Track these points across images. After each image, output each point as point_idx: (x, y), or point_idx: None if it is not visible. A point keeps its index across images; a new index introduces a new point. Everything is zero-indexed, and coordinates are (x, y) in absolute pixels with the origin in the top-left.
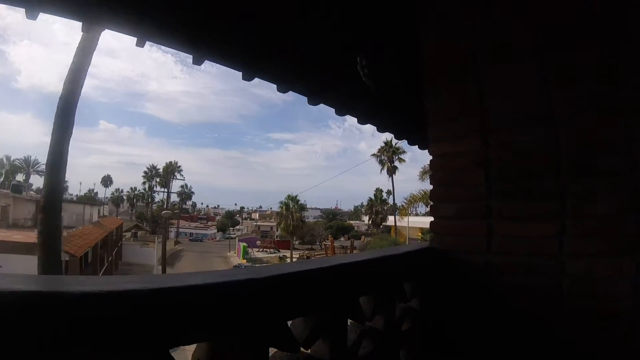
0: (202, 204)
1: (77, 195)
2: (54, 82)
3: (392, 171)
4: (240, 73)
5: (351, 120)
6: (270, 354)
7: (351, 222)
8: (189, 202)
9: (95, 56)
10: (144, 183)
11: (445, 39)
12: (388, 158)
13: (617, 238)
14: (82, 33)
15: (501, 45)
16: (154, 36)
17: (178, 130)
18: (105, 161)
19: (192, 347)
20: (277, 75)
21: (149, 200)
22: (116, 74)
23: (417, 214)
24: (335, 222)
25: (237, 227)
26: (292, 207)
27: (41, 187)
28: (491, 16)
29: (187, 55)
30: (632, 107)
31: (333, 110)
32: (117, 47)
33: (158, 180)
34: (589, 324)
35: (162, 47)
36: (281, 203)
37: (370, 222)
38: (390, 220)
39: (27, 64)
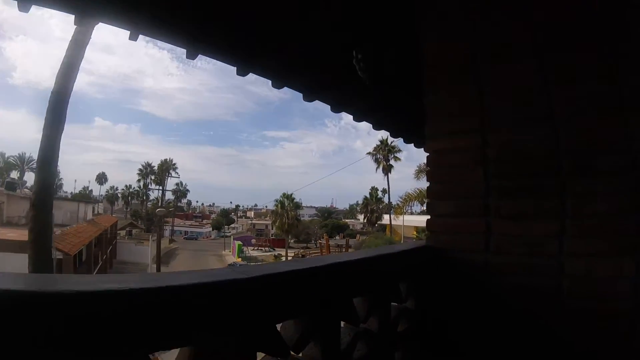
0: (197, 202)
1: (71, 192)
2: (50, 78)
3: (387, 170)
4: (235, 68)
5: (347, 118)
6: (258, 359)
7: (346, 220)
8: (184, 200)
9: (91, 52)
10: (138, 181)
11: (445, 39)
12: (384, 156)
13: (617, 238)
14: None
15: (501, 45)
16: (148, 30)
17: (173, 128)
18: (100, 158)
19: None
20: (272, 71)
21: (144, 198)
22: (112, 70)
23: (412, 213)
24: (331, 221)
25: (233, 225)
26: (288, 205)
27: None
28: (491, 16)
29: (183, 51)
30: (632, 107)
31: (329, 108)
32: (113, 43)
33: (153, 178)
34: (589, 324)
35: (159, 43)
36: (276, 201)
37: (365, 221)
38: (386, 218)
39: (22, 59)
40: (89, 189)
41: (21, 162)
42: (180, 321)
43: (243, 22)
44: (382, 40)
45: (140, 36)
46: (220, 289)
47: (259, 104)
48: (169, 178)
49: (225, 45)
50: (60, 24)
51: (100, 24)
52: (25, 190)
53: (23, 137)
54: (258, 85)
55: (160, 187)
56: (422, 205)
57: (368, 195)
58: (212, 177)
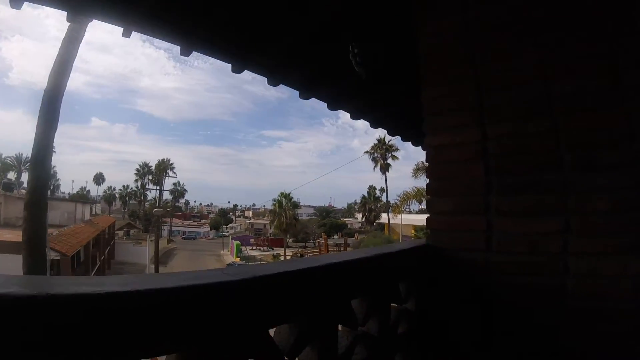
0: (195, 201)
1: (69, 193)
2: (46, 77)
3: (385, 168)
4: (230, 66)
5: (344, 117)
6: None
7: (344, 219)
8: (182, 200)
9: (88, 51)
10: (136, 181)
11: (443, 33)
12: (381, 155)
13: (621, 235)
14: (67, 23)
15: (501, 39)
16: (141, 26)
17: (171, 128)
18: (97, 159)
19: None
20: (268, 67)
21: (142, 198)
22: (109, 70)
23: (410, 212)
24: (329, 220)
25: (231, 225)
26: (285, 204)
27: None
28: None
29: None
30: (634, 101)
31: (326, 107)
32: (109, 43)
33: (150, 178)
34: (592, 324)
35: (155, 43)
36: (274, 201)
37: (363, 220)
38: (384, 217)
39: (18, 59)
40: (87, 189)
41: (18, 163)
42: (164, 327)
43: (237, 17)
44: (379, 34)
45: (137, 35)
46: (209, 292)
47: (256, 104)
48: (167, 178)
49: (220, 41)
50: (57, 24)
51: (94, 21)
52: (23, 191)
53: (20, 137)
54: (255, 84)
55: (158, 187)
56: (420, 204)
57: (366, 194)
58: (210, 176)
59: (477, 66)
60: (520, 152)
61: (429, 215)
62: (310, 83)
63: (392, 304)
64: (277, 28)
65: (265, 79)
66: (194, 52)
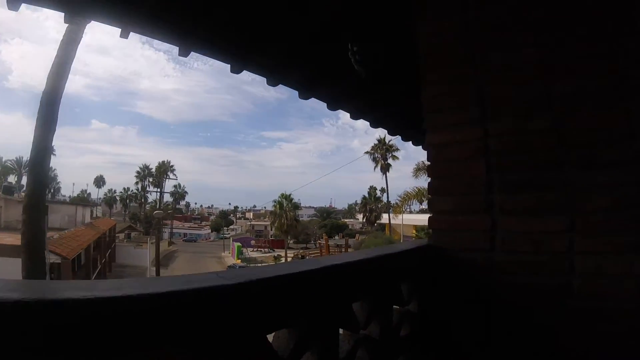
0: (195, 203)
1: (69, 196)
2: (45, 80)
3: (385, 169)
4: (229, 66)
5: (344, 118)
6: None
7: (345, 220)
8: (183, 202)
9: (87, 54)
10: (136, 183)
11: (443, 32)
12: (381, 155)
13: (626, 233)
14: (66, 25)
15: (501, 39)
16: (139, 26)
17: (171, 129)
18: (97, 161)
19: None
20: (267, 67)
21: (142, 200)
22: (108, 72)
23: (411, 212)
24: (330, 221)
25: (232, 226)
26: (286, 205)
27: None
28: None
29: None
30: (634, 100)
31: (326, 108)
32: (109, 45)
33: (151, 180)
34: (595, 324)
35: (154, 45)
36: (275, 202)
37: (364, 220)
38: (385, 218)
39: (18, 62)
40: (87, 192)
41: (18, 166)
42: (153, 334)
43: (236, 16)
44: (379, 34)
45: (136, 37)
46: (201, 297)
47: (256, 105)
48: (167, 180)
49: (219, 41)
50: (56, 26)
51: (93, 23)
52: (23, 194)
53: (20, 140)
54: (254, 85)
55: (159, 189)
56: (420, 203)
57: (367, 195)
58: (210, 178)
59: (477, 66)
60: (523, 149)
61: (430, 215)
62: (310, 83)
63: (394, 306)
64: (277, 28)
65: (265, 80)
66: (193, 52)
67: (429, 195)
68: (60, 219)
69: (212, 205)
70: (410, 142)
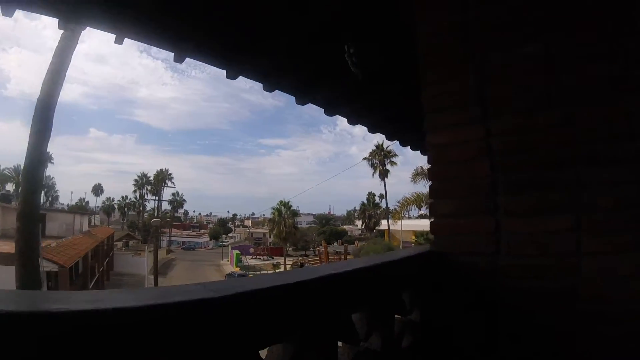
0: (194, 211)
1: (68, 204)
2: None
3: (384, 174)
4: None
5: (342, 124)
6: None
7: (344, 227)
8: (181, 210)
9: (85, 63)
10: (135, 191)
11: (443, 33)
12: (380, 161)
13: (634, 232)
14: (60, 32)
15: (501, 39)
16: (133, 32)
17: (169, 137)
18: (95, 169)
19: None
20: (263, 72)
21: (141, 208)
22: (106, 80)
23: (409, 217)
24: (329, 227)
25: (230, 234)
26: (285, 213)
27: None
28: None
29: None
30: (635, 98)
31: (324, 115)
32: (106, 54)
33: (149, 188)
34: (603, 327)
35: (152, 53)
36: (273, 209)
37: (363, 227)
38: (384, 224)
39: (16, 71)
40: (85, 200)
41: (16, 175)
42: (130, 350)
43: (235, 16)
44: (378, 34)
45: (134, 46)
46: (184, 312)
47: (254, 112)
48: (165, 188)
49: (215, 46)
50: (54, 35)
51: (89, 31)
52: None
53: (18, 149)
54: (252, 93)
55: (157, 198)
56: (419, 209)
57: (365, 201)
58: (208, 186)
59: (477, 66)
60: (526, 147)
61: (432, 219)
62: (307, 87)
63: (395, 316)
64: (277, 28)
65: (261, 86)
66: (190, 60)
67: (430, 199)
68: (58, 227)
69: (211, 213)
70: (409, 147)
